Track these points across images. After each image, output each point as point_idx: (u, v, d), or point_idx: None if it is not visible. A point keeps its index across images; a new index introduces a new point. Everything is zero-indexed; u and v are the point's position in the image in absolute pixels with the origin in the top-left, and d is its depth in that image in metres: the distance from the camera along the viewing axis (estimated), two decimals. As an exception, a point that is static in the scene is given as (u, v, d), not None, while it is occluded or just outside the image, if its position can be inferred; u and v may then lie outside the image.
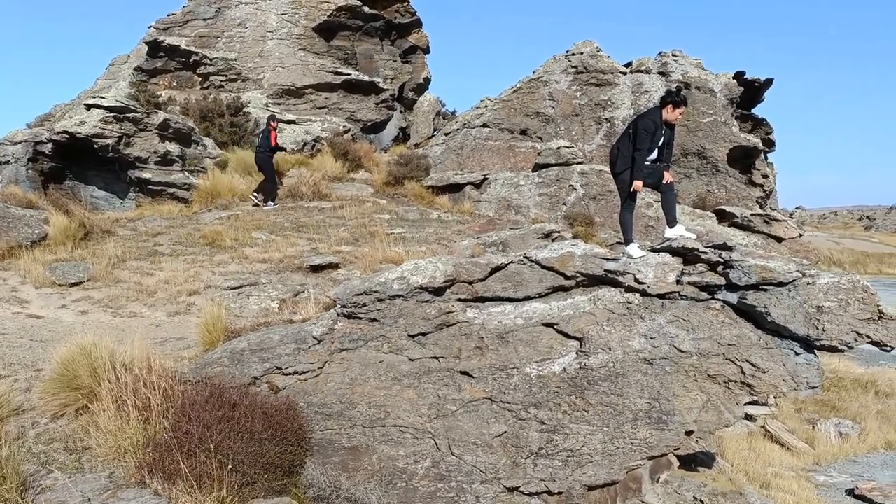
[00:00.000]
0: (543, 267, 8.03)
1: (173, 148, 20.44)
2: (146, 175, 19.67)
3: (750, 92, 23.97)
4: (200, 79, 26.70)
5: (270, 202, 19.19)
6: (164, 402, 6.88)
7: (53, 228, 14.18)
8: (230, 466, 6.10)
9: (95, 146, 18.92)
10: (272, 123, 19.94)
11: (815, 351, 7.69)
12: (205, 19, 26.85)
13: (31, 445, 6.70)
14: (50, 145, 18.72)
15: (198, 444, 6.16)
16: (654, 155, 8.82)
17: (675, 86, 21.40)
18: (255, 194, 19.26)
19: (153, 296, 11.91)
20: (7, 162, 18.28)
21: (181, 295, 11.94)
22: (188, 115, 23.17)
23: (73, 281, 12.24)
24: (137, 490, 5.94)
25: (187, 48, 26.15)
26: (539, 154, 21.91)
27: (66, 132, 18.78)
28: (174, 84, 26.52)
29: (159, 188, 19.86)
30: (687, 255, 8.08)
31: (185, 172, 20.57)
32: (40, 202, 16.21)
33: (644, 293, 7.82)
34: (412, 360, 7.64)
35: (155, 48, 26.25)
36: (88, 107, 19.68)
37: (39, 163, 18.60)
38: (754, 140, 22.54)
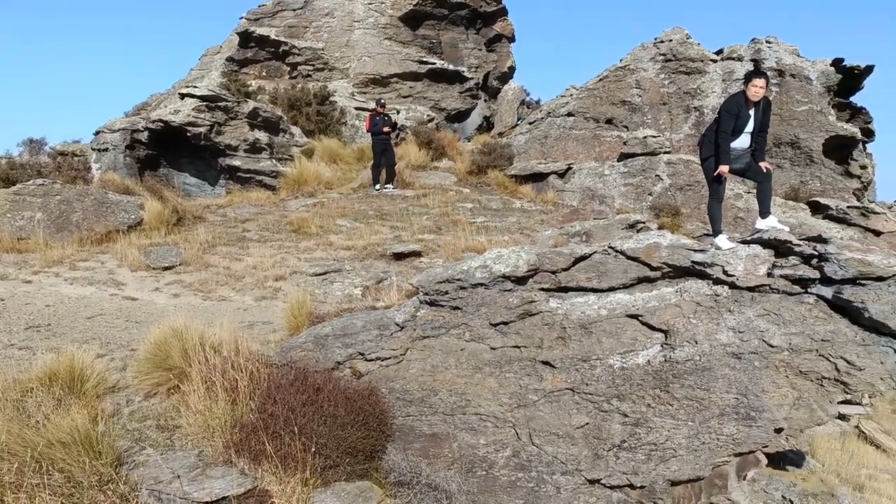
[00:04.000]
0: (628, 257, 7.89)
1: (262, 136, 20.90)
2: (236, 163, 20.18)
3: (848, 79, 23.04)
4: (289, 68, 27.20)
5: (382, 186, 19.64)
6: (250, 384, 7.02)
7: (148, 214, 14.68)
8: (313, 449, 6.19)
9: (188, 134, 19.51)
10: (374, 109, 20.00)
11: (916, 349, 7.36)
12: (294, 10, 27.31)
13: (126, 422, 6.94)
14: (146, 133, 19.38)
15: (283, 426, 6.28)
16: (746, 142, 8.53)
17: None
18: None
19: (241, 280, 12.20)
20: (106, 149, 19.01)
21: (268, 280, 12.20)
22: (276, 104, 23.64)
23: (166, 265, 12.65)
24: (225, 469, 6.08)
25: (276, 38, 26.67)
26: (625, 143, 21.54)
27: (161, 121, 19.42)
28: (263, 74, 27.09)
29: (248, 175, 20.34)
30: (779, 248, 7.81)
31: (273, 160, 21.01)
32: (136, 188, 16.78)
33: (733, 286, 7.59)
34: (493, 349, 7.61)
35: (246, 38, 26.83)
36: (182, 96, 20.29)
37: (136, 150, 19.27)
38: (852, 129, 21.67)
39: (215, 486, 5.77)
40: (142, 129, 19.40)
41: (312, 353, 7.80)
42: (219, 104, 20.01)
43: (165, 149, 19.95)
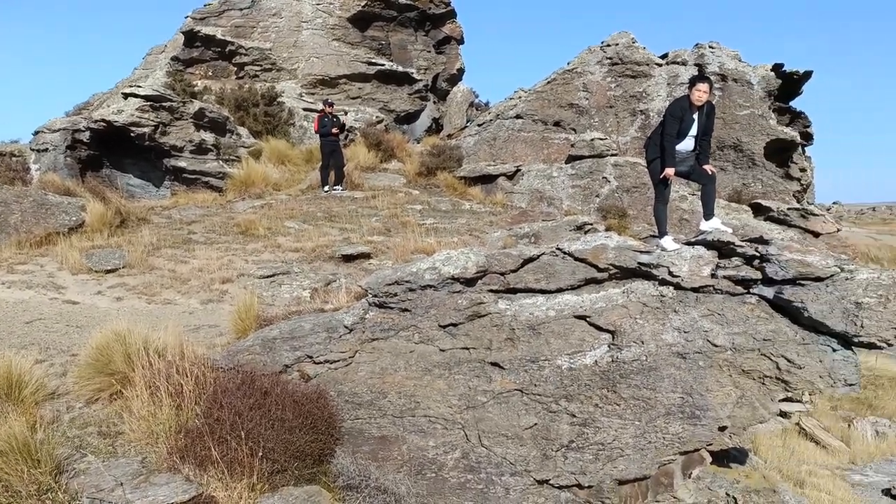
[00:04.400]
0: (576, 259, 7.97)
1: (208, 137, 20.62)
2: (181, 164, 19.87)
3: (788, 84, 23.60)
4: (235, 69, 26.88)
5: (331, 187, 19.49)
6: (196, 388, 6.91)
7: (90, 216, 14.36)
8: (261, 454, 6.12)
9: (132, 135, 19.15)
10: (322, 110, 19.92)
11: (853, 348, 7.56)
12: (241, 9, 27.00)
13: (66, 429, 6.78)
14: (88, 133, 18.96)
15: (229, 431, 6.19)
16: (690, 145, 8.67)
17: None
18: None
19: (187, 283, 12.02)
20: (46, 150, 18.54)
21: (214, 283, 12.04)
22: (223, 104, 23.34)
23: (109, 268, 12.40)
24: (169, 475, 5.97)
25: (223, 38, 26.34)
26: (572, 146, 21.74)
27: (104, 121, 19.03)
28: (210, 74, 26.73)
29: (194, 177, 20.05)
30: (722, 249, 7.96)
31: (220, 161, 20.74)
32: (78, 190, 16.40)
33: (678, 286, 7.72)
34: (443, 351, 7.62)
35: (191, 38, 26.45)
36: (126, 96, 19.92)
37: (77, 151, 18.84)
38: (792, 133, 22.19)
39: (159, 493, 5.66)
40: (83, 129, 18.96)
41: (260, 357, 7.72)
42: (163, 104, 19.69)
43: (108, 149, 19.54)
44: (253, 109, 23.81)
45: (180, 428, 6.50)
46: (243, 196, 18.99)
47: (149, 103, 19.45)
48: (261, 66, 26.76)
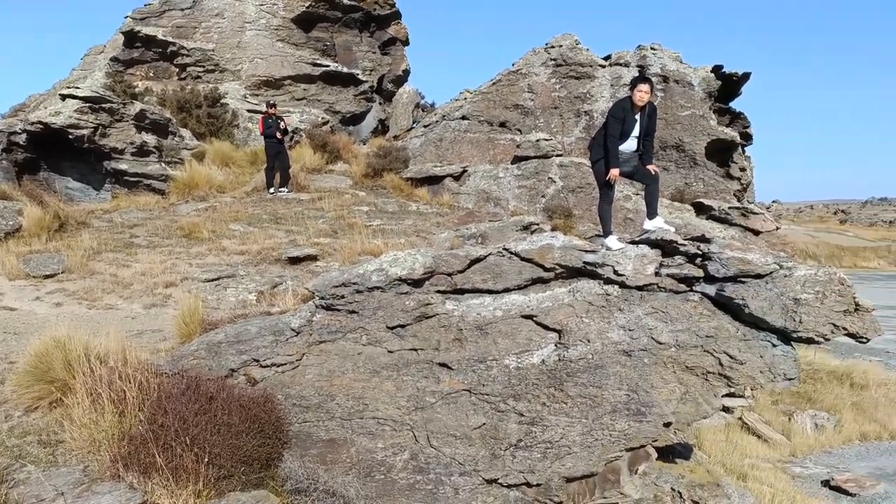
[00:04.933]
0: (522, 259, 8.02)
1: (150, 139, 20.26)
2: (122, 166, 19.48)
3: (728, 86, 24.10)
4: (178, 69, 26.49)
5: (277, 189, 19.30)
6: (139, 394, 6.79)
7: (27, 220, 14.00)
8: (206, 459, 6.03)
9: (70, 137, 18.72)
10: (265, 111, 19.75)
11: (792, 343, 7.74)
12: (182, 10, 26.62)
13: (4, 439, 6.60)
14: (24, 136, 18.47)
15: (174, 437, 6.09)
16: (633, 145, 8.78)
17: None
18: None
19: (129, 288, 11.79)
20: (-20, 152, 18.02)
21: (158, 287, 11.83)
22: (165, 106, 22.96)
23: (48, 273, 12.09)
24: (112, 483, 5.86)
25: (164, 39, 25.94)
26: (518, 146, 21.90)
27: (41, 123, 18.56)
28: (151, 75, 26.29)
29: (136, 179, 19.67)
30: (665, 248, 8.09)
31: (162, 164, 20.39)
32: (14, 193, 15.99)
33: (623, 285, 7.82)
34: (391, 352, 7.61)
35: (131, 38, 26.00)
36: (64, 97, 19.47)
37: (13, 153, 18.35)
38: (732, 133, 22.66)
39: (102, 501, 5.56)
40: (20, 131, 18.46)
41: (205, 361, 7.62)
42: (103, 106, 19.27)
43: (46, 152, 19.06)
44: (196, 111, 23.47)
45: (123, 435, 6.38)
46: (187, 199, 18.71)
47: (88, 105, 19.02)
48: (203, 67, 26.41)
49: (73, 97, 19.11)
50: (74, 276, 12.14)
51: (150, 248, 14.05)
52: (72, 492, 5.68)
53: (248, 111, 24.99)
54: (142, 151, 19.88)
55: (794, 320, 7.47)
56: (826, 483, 12.09)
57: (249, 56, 26.76)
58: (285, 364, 7.59)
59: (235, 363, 7.62)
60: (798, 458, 13.66)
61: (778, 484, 11.26)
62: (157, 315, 10.73)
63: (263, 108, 21.55)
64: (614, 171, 8.58)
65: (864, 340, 7.61)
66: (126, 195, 19.23)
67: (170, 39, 25.97)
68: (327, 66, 27.25)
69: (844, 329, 7.47)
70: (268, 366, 7.59)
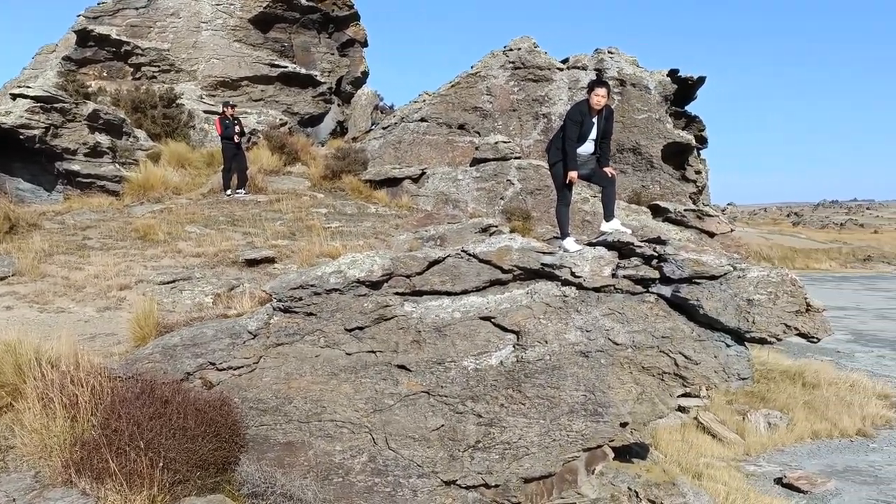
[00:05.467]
0: (481, 261, 8.04)
1: (103, 139, 19.93)
2: (75, 167, 19.13)
3: (683, 89, 24.45)
4: (132, 69, 26.12)
5: (234, 191, 19.12)
6: (92, 399, 6.68)
7: (-24, 222, 13.71)
8: (161, 464, 5.95)
9: (21, 137, 18.33)
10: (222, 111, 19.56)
11: (746, 343, 7.87)
12: (136, 8, 26.26)
13: (-48, 445, 6.46)
14: (-27, 136, 18.05)
15: (128, 442, 6.00)
16: (591, 148, 8.85)
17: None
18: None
19: (82, 291, 11.58)
20: (-73, 152, 17.58)
21: (111, 290, 11.63)
22: (119, 106, 22.60)
23: (-3, 276, 11.84)
24: (64, 490, 5.76)
25: (118, 38, 25.56)
26: (477, 149, 21.96)
27: (-10, 122, 18.14)
28: (104, 74, 25.89)
29: (89, 181, 19.32)
30: (622, 249, 8.17)
31: (116, 165, 20.06)
32: (-38, 194, 15.64)
33: (580, 287, 7.88)
34: (349, 355, 7.58)
35: (84, 37, 25.57)
36: (14, 97, 19.05)
37: (-39, 154, 17.93)
38: (687, 137, 22.99)
39: (54, 508, 5.46)
40: (-32, 130, 18.07)
41: (160, 365, 7.52)
42: (55, 105, 18.90)
43: (-4, 152, 18.67)
44: (151, 111, 23.15)
45: (76, 440, 6.27)
46: (142, 200, 18.45)
47: (39, 104, 18.63)
48: (159, 66, 26.07)
49: (24, 97, 18.71)
50: (25, 279, 11.89)
51: (104, 250, 13.82)
52: (23, 498, 5.57)
53: (205, 112, 24.72)
54: (95, 152, 19.54)
55: (748, 321, 7.60)
56: (779, 481, 12.30)
57: (206, 56, 26.48)
58: (242, 367, 7.53)
59: (191, 366, 7.53)
60: (752, 456, 13.87)
61: (732, 482, 11.42)
62: (111, 318, 10.56)
63: (220, 108, 21.33)
64: (572, 174, 8.64)
65: (816, 340, 7.77)
66: (79, 196, 18.89)
67: (124, 39, 25.60)
68: (285, 67, 27.07)
69: (796, 329, 7.61)
70: (224, 369, 7.52)
